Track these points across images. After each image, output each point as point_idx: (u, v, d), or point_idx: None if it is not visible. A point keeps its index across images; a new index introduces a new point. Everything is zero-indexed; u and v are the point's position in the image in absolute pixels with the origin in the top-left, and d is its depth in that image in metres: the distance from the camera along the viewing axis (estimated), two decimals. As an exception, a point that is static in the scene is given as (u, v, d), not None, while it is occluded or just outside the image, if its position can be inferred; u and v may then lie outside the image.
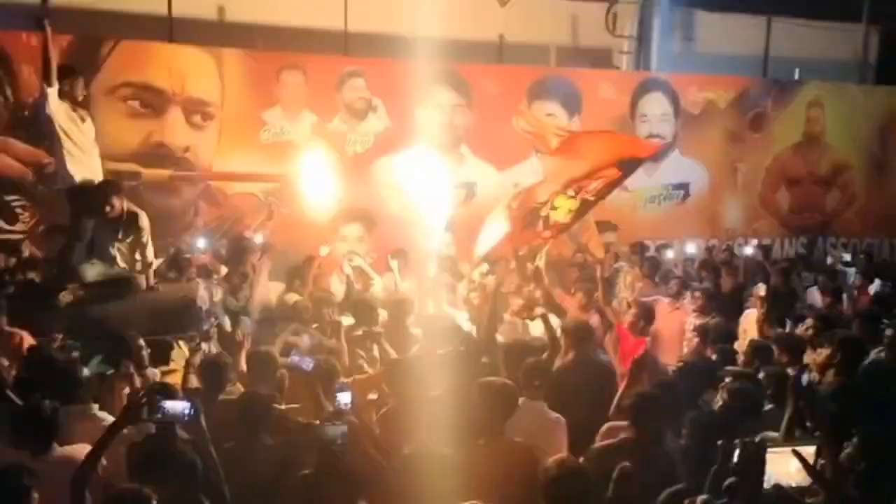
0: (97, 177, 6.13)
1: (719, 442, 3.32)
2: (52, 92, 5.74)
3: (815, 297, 8.48)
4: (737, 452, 3.17)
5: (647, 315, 6.31)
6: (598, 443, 4.21)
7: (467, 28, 10.32)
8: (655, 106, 11.27)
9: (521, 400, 4.29)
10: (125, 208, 6.03)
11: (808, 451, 3.43)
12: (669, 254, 10.08)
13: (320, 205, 9.03)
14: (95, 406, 4.25)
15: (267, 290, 7.24)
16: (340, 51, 9.84)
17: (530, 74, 10.58)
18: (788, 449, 3.40)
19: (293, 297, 6.80)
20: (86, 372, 4.58)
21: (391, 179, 9.66)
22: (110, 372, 4.76)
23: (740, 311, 7.47)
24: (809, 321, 6.15)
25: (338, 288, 7.65)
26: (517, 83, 10.39)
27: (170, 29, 9.08)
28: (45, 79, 5.73)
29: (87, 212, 5.92)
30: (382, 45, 9.78)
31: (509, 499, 3.52)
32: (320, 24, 9.78)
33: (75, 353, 4.84)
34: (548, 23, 11.06)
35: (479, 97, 10.11)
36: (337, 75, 9.58)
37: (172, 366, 5.52)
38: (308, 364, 4.59)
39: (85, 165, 6.00)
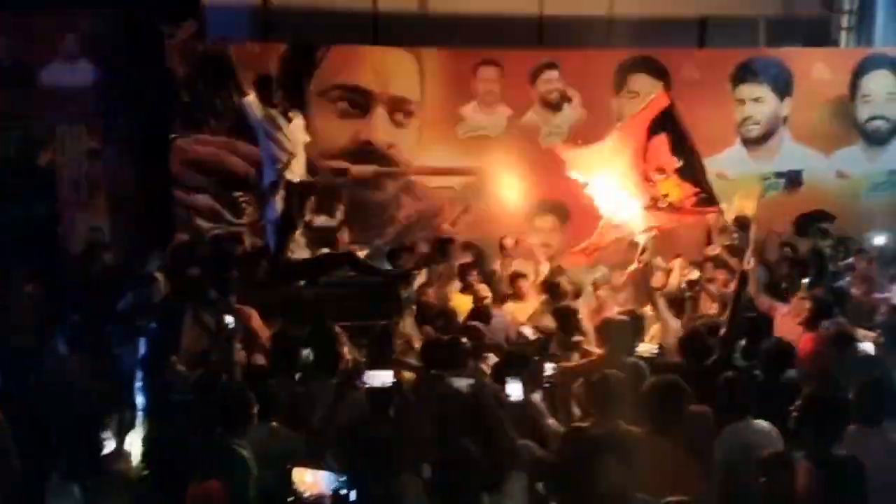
0: (298, 176, 6.64)
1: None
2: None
3: None
4: None
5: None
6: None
7: (666, 5, 9.97)
8: (880, 85, 10.25)
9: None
10: None
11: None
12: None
13: (515, 197, 9.15)
14: None
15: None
16: (535, 37, 9.84)
17: (735, 57, 10.02)
18: None
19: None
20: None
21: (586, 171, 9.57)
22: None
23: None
24: None
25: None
26: (721, 67, 9.89)
27: (374, 25, 9.56)
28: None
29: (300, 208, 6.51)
30: (578, 30, 9.69)
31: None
32: (516, 11, 9.86)
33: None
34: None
35: (680, 84, 9.73)
36: (531, 68, 9.64)
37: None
38: None
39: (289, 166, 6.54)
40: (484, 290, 6.88)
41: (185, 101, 9.02)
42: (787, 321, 5.94)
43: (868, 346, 5.47)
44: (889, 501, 3.50)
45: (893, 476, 3.59)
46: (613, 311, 6.11)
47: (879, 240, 9.04)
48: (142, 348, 5.45)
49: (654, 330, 6.15)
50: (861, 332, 5.70)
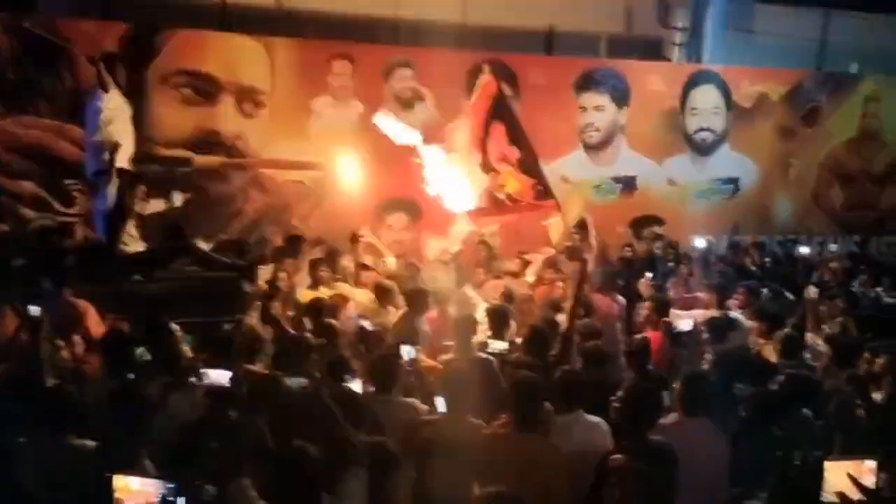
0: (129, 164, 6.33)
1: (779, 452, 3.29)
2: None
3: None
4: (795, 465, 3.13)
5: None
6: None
7: (517, 17, 10.30)
8: (706, 99, 11.12)
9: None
10: None
11: (870, 465, 3.35)
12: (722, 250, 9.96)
13: (366, 194, 9.11)
14: None
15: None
16: (392, 40, 9.87)
17: (579, 66, 10.51)
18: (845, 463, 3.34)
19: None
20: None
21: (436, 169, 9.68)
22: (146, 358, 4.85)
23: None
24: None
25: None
26: (565, 74, 10.34)
27: (224, 17, 9.23)
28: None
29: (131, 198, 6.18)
30: (432, 34, 9.80)
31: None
32: (371, 12, 9.84)
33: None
34: (599, 13, 10.93)
35: (527, 88, 10.07)
36: (385, 65, 9.65)
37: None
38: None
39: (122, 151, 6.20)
40: (341, 287, 6.81)
41: (10, 80, 8.31)
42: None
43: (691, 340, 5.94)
44: (702, 480, 3.76)
45: (707, 456, 3.89)
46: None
47: (700, 242, 9.87)
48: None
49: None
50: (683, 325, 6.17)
